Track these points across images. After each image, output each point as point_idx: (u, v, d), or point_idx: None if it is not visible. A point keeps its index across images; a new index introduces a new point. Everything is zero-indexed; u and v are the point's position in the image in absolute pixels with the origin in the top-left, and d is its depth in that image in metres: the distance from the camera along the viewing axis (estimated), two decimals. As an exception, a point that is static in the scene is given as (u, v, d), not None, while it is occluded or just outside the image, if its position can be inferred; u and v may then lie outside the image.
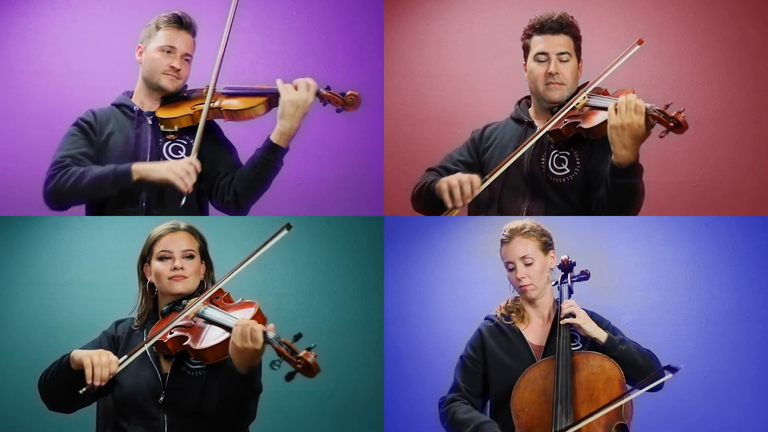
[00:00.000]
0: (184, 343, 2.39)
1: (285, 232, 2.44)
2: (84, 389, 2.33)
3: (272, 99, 2.84)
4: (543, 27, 2.80)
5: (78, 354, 2.36)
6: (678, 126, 2.51)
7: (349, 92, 2.85)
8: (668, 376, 2.35)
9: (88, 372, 2.31)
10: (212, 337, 2.37)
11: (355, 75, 4.02)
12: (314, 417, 3.61)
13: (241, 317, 2.37)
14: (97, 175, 2.75)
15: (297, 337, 2.23)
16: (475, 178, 2.69)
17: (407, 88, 4.15)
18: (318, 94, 2.81)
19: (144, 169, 2.75)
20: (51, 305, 3.53)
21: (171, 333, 2.42)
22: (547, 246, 2.67)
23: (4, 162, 3.89)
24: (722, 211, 3.93)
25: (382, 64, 4.04)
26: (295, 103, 2.76)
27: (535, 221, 2.69)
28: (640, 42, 2.75)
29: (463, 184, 2.68)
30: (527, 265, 2.64)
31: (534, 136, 2.74)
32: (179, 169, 2.73)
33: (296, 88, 2.78)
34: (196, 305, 2.46)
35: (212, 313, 2.44)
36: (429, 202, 2.82)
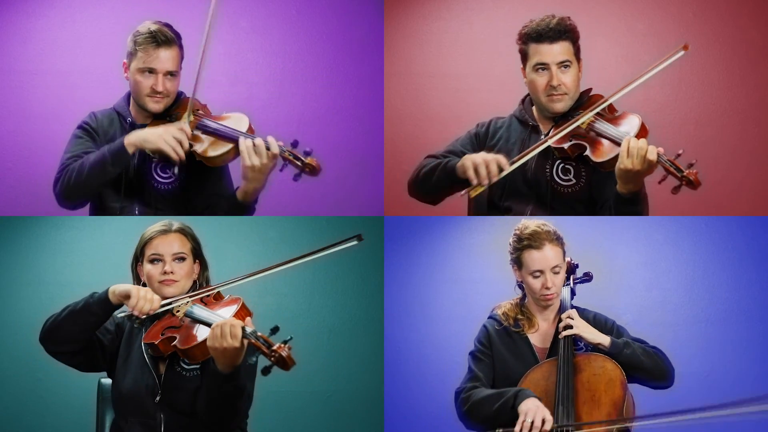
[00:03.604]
0: (172, 344, 2.40)
1: (355, 242, 2.52)
2: (123, 315, 2.44)
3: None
4: (541, 35, 2.71)
5: (123, 285, 2.43)
6: (691, 184, 2.48)
7: (308, 159, 2.71)
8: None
9: (133, 301, 2.39)
10: (199, 335, 2.38)
11: (355, 75, 4.02)
12: (314, 417, 3.61)
13: (226, 314, 2.38)
14: (93, 161, 2.73)
15: (274, 330, 2.25)
16: (502, 158, 2.65)
17: (407, 88, 4.15)
18: (280, 154, 2.70)
19: (137, 139, 2.72)
20: (51, 305, 3.50)
21: (162, 334, 2.43)
22: (565, 252, 2.65)
23: (4, 162, 3.89)
24: (722, 211, 3.93)
25: (382, 64, 4.04)
26: (255, 169, 2.69)
27: (547, 222, 2.65)
28: (685, 48, 2.64)
29: (489, 162, 2.63)
30: (556, 273, 2.60)
31: (540, 144, 2.70)
32: (170, 139, 2.69)
33: (255, 151, 2.68)
34: (181, 302, 2.48)
35: (199, 311, 2.45)
36: (443, 181, 2.77)
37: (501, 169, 2.64)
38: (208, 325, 2.38)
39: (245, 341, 2.26)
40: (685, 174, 2.47)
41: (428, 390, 3.54)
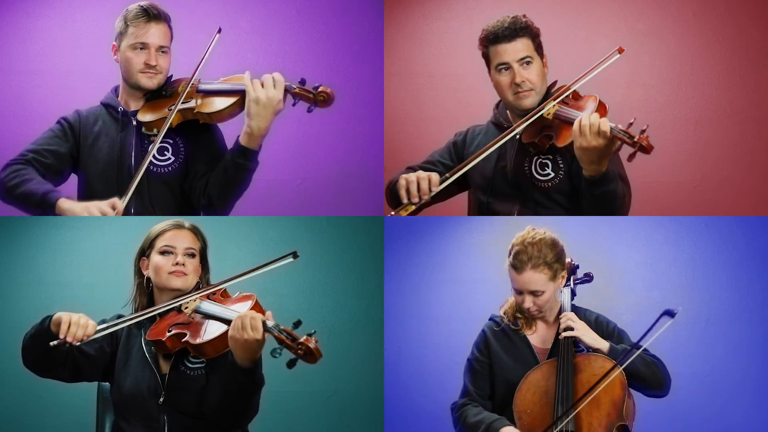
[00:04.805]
0: (183, 340, 2.38)
1: (290, 259, 2.46)
2: (55, 342, 2.31)
3: (245, 97, 2.72)
4: (497, 37, 2.75)
5: (59, 313, 2.35)
6: (643, 150, 2.46)
7: (320, 89, 2.72)
8: (668, 321, 2.33)
9: (64, 327, 2.30)
10: (211, 331, 2.37)
11: (355, 75, 4.02)
12: (314, 417, 3.61)
13: (240, 309, 2.37)
14: (29, 189, 2.73)
15: (297, 324, 2.24)
16: (434, 175, 2.69)
17: (407, 88, 4.15)
18: (288, 91, 2.71)
19: (65, 208, 2.69)
20: (51, 305, 3.49)
21: (169, 331, 2.41)
22: (557, 273, 2.59)
23: (4, 162, 3.88)
24: (722, 211, 3.93)
25: (382, 64, 4.04)
26: (259, 102, 2.66)
27: (547, 233, 2.61)
28: (620, 51, 2.70)
29: (420, 180, 2.67)
30: (536, 296, 2.58)
31: (504, 135, 2.73)
32: (94, 210, 2.66)
33: (262, 85, 2.68)
34: (191, 297, 2.46)
35: (210, 307, 2.44)
36: (392, 201, 2.81)
37: (431, 189, 2.68)
38: (222, 320, 2.37)
39: (266, 335, 2.25)
40: (636, 139, 2.46)
41: (428, 390, 3.54)
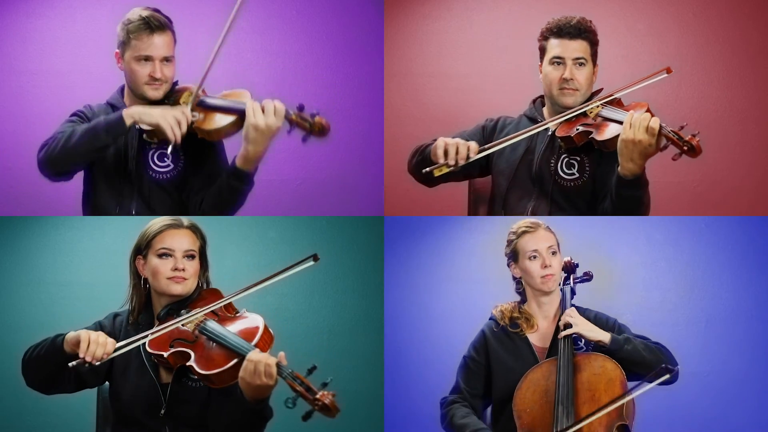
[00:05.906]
0: (188, 363, 2.31)
1: (311, 262, 2.41)
2: (74, 363, 2.25)
3: (244, 117, 2.71)
4: (561, 31, 2.80)
5: (74, 332, 2.30)
6: (692, 150, 2.50)
7: (317, 119, 2.72)
8: (665, 376, 2.35)
9: (83, 346, 2.25)
10: (218, 360, 2.28)
11: (355, 75, 4.02)
12: (314, 417, 3.60)
13: (242, 327, 2.33)
14: (87, 127, 2.70)
15: (311, 370, 2.19)
16: (474, 143, 2.72)
17: (407, 88, 4.15)
18: (286, 118, 2.70)
19: (137, 112, 2.70)
20: (51, 305, 3.53)
21: (171, 346, 2.34)
22: (559, 246, 2.69)
23: (4, 162, 3.89)
24: (722, 211, 3.93)
25: (382, 64, 4.04)
26: (258, 129, 2.65)
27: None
28: (668, 71, 2.76)
29: (460, 145, 2.70)
30: (553, 254, 2.65)
31: (542, 125, 2.77)
32: (171, 118, 2.67)
33: (263, 110, 2.67)
34: (196, 316, 2.39)
35: (216, 329, 2.36)
36: (420, 165, 2.82)
37: (469, 156, 2.71)
38: (229, 350, 2.28)
39: (279, 378, 2.18)
40: (686, 139, 2.51)
41: (428, 390, 3.52)
